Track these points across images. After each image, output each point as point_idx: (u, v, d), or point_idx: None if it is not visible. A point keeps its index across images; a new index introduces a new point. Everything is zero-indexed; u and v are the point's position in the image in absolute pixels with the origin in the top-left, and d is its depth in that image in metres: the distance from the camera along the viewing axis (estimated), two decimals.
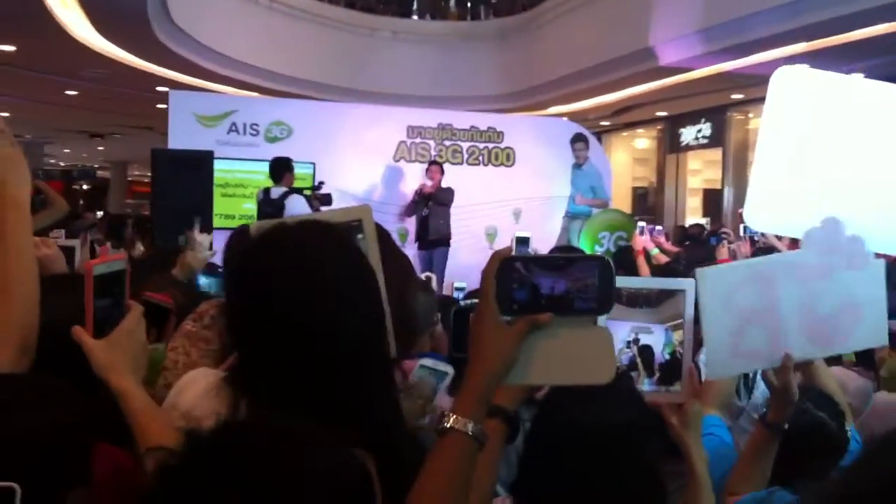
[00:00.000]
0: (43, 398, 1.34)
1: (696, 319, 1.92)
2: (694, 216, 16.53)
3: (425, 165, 10.46)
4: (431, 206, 9.97)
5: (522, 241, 4.72)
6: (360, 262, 1.47)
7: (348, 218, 1.76)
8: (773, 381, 1.97)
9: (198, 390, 1.53)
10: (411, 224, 10.35)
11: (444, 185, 10.13)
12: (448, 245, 10.03)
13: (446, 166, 10.87)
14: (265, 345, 1.38)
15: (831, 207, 2.12)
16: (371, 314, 1.43)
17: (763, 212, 2.31)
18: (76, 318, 1.65)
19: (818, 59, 8.96)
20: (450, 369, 2.15)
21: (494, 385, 1.25)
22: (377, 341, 1.44)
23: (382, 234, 1.93)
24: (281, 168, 8.48)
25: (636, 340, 1.89)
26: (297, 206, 7.96)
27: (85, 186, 32.09)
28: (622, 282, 1.71)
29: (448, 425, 1.22)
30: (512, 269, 1.23)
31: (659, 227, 7.77)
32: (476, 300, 1.33)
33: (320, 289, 1.39)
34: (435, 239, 9.95)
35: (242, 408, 1.39)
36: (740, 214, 4.17)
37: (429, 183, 10.10)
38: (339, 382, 1.36)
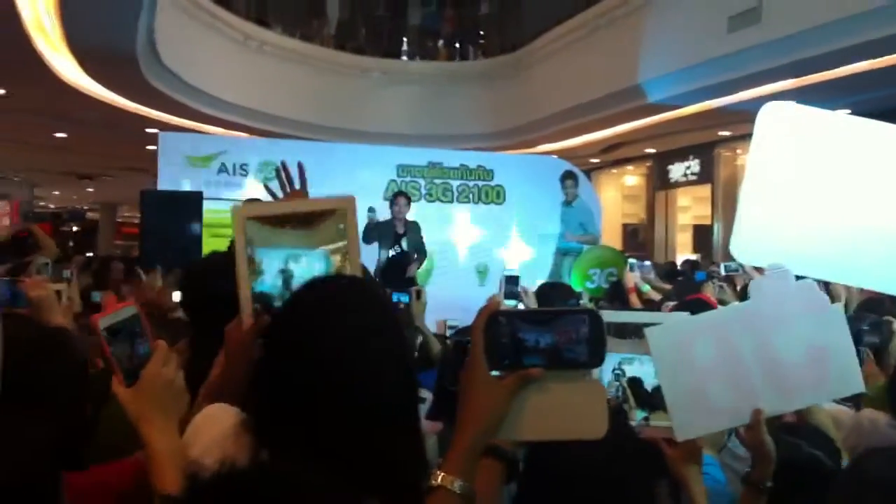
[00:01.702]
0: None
1: None
2: (684, 252, 16.56)
3: (416, 203, 10.38)
4: (407, 243, 9.48)
5: (511, 280, 4.70)
6: (398, 325, 1.44)
7: (330, 206, 1.69)
8: (749, 442, 1.89)
9: (215, 433, 1.46)
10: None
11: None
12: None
13: (436, 204, 10.87)
14: (298, 395, 1.33)
15: (817, 242, 2.11)
16: (407, 376, 1.39)
17: (749, 245, 2.30)
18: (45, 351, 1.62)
19: (806, 95, 9.03)
20: (428, 395, 2.12)
21: (484, 441, 1.23)
22: (411, 401, 1.40)
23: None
24: None
25: (618, 370, 1.86)
26: None
27: (74, 228, 32.03)
28: (609, 316, 1.68)
29: (436, 483, 1.20)
30: (501, 324, 1.21)
31: (647, 263, 7.76)
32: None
33: (364, 346, 1.34)
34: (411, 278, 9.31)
35: (264, 456, 1.33)
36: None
37: (400, 217, 9.53)
38: (373, 441, 1.31)
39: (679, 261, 14.14)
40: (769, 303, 1.92)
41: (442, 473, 1.20)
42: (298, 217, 1.68)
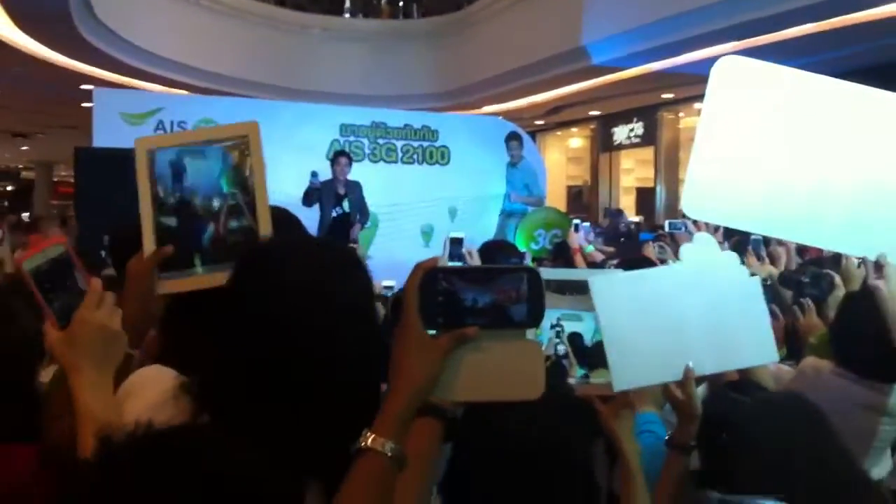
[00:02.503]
0: None
1: None
2: (627, 214, 16.73)
3: (360, 164, 10.29)
4: (349, 204, 9.30)
5: (456, 242, 4.66)
6: (368, 291, 1.36)
7: (231, 134, 1.60)
8: (677, 395, 1.94)
9: (151, 397, 1.38)
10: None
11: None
12: None
13: (381, 165, 10.76)
14: (248, 362, 1.25)
15: (768, 198, 2.11)
16: (371, 351, 1.30)
17: (700, 201, 2.30)
18: None
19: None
20: None
21: (417, 403, 1.18)
22: (373, 378, 1.32)
23: (294, 222, 1.82)
24: None
25: (558, 326, 1.85)
26: None
27: (9, 188, 31.24)
28: (550, 273, 1.66)
29: (366, 445, 1.15)
30: (436, 282, 1.17)
31: (586, 224, 7.80)
32: None
33: (326, 314, 1.26)
34: (354, 240, 9.12)
35: (204, 420, 1.25)
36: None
37: (342, 178, 9.35)
38: (323, 414, 1.24)
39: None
40: (694, 268, 2.01)
41: (372, 435, 1.15)
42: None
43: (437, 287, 1.17)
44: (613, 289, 1.95)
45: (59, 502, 0.96)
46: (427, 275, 1.18)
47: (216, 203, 1.56)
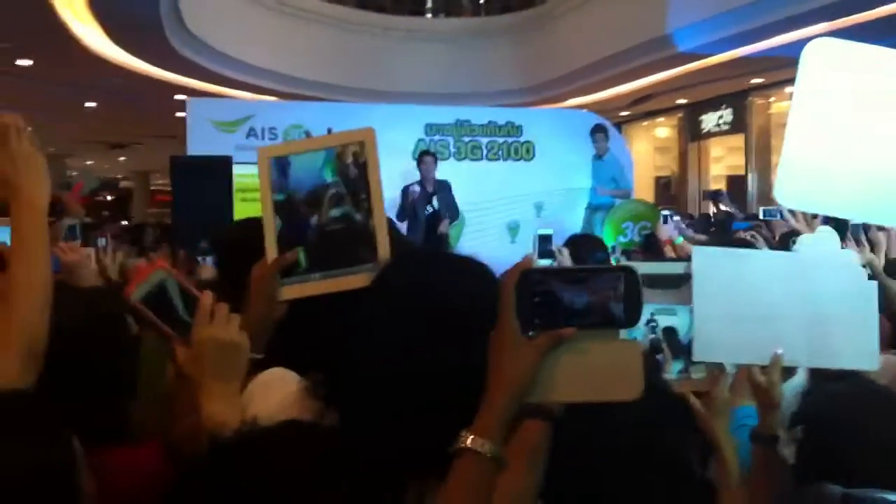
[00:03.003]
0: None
1: None
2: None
3: (445, 162, 10.35)
4: (441, 204, 9.43)
5: (545, 239, 4.65)
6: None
7: (349, 139, 1.61)
8: (759, 380, 1.91)
9: (275, 400, 1.42)
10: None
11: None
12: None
13: (466, 162, 10.79)
14: (385, 363, 1.25)
15: (865, 184, 2.06)
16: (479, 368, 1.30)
17: (794, 189, 2.24)
18: (85, 325, 1.62)
19: (839, 38, 8.83)
20: None
21: (515, 404, 1.17)
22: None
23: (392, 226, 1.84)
24: None
25: (652, 321, 1.84)
26: None
27: (108, 197, 32.36)
28: (644, 268, 1.65)
29: (465, 445, 1.15)
30: (532, 283, 1.17)
31: (677, 217, 7.67)
32: None
33: (456, 332, 1.26)
34: (443, 235, 9.26)
35: (330, 419, 1.26)
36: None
37: (429, 177, 9.48)
38: (441, 415, 1.22)
39: (711, 213, 14.00)
40: (810, 260, 1.96)
41: (471, 436, 1.15)
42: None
43: (533, 288, 1.17)
44: (715, 262, 1.94)
45: (169, 496, 1.00)
46: (523, 276, 1.17)
47: (320, 193, 1.59)
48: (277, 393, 1.43)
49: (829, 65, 2.22)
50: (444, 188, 9.53)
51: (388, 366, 1.25)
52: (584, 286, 1.17)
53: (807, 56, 2.24)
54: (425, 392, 1.23)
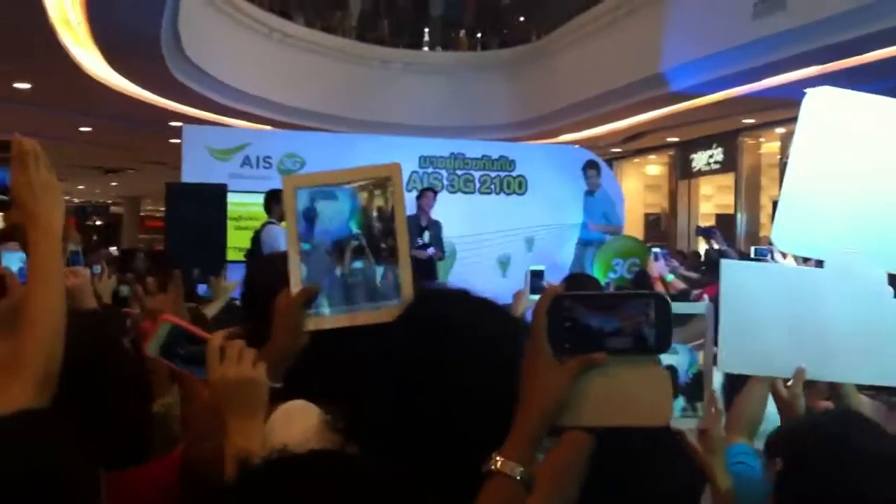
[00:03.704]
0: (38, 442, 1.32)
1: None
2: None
3: (439, 195, 10.40)
4: (431, 239, 9.50)
5: (537, 275, 4.70)
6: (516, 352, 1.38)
7: (375, 176, 1.63)
8: (782, 393, 1.95)
9: (296, 431, 1.43)
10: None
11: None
12: None
13: (458, 196, 10.87)
14: (402, 403, 1.29)
15: (863, 230, 2.11)
16: (508, 402, 1.30)
17: (792, 234, 2.28)
18: (101, 354, 1.65)
19: (832, 82, 8.89)
20: None
21: (546, 426, 1.19)
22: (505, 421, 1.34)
23: None
24: (268, 200, 8.34)
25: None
26: (272, 236, 7.81)
27: (98, 222, 32.28)
28: None
29: (495, 468, 1.16)
30: (563, 308, 1.19)
31: (665, 252, 7.72)
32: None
33: (472, 371, 1.29)
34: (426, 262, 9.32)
35: (350, 452, 1.27)
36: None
37: (427, 212, 9.58)
38: (464, 443, 1.25)
39: (702, 250, 14.08)
40: (839, 277, 2.03)
41: (501, 459, 1.16)
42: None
43: (564, 313, 1.19)
44: (744, 276, 2.01)
45: None
46: (555, 301, 1.19)
47: (343, 244, 1.61)
48: (299, 425, 1.45)
49: (830, 112, 2.26)
50: (436, 227, 9.58)
51: (413, 397, 1.28)
52: (615, 312, 1.19)
53: (808, 103, 2.28)
54: (446, 424, 1.26)
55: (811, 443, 1.71)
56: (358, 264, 1.60)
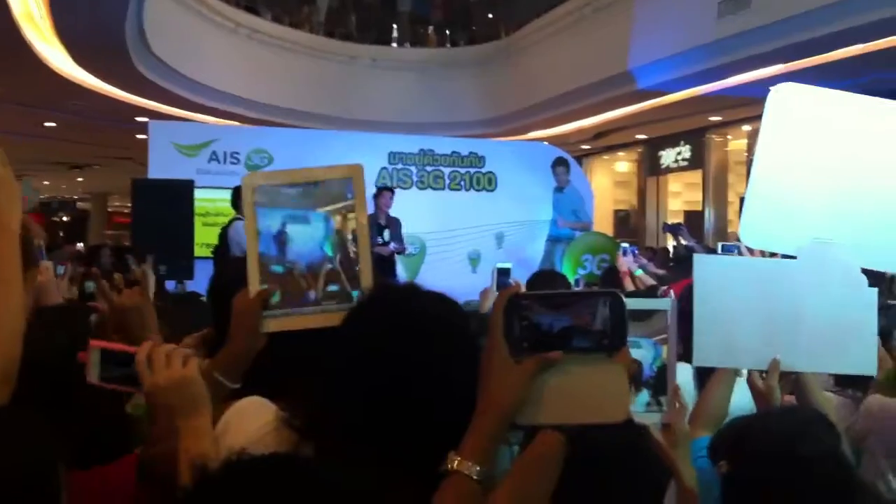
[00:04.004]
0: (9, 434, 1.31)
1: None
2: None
3: (408, 191, 10.41)
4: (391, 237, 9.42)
5: (504, 273, 4.71)
6: (473, 343, 1.38)
7: (335, 176, 1.63)
8: (758, 385, 1.98)
9: (251, 429, 1.42)
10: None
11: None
12: None
13: (428, 192, 10.86)
14: (363, 395, 1.28)
15: (829, 224, 2.13)
16: (470, 393, 1.30)
17: (759, 229, 2.30)
18: (67, 353, 1.64)
19: (796, 80, 8.98)
20: None
21: (504, 426, 1.20)
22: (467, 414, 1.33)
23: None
24: (236, 196, 8.14)
25: None
26: (239, 233, 7.59)
27: (65, 218, 31.91)
28: None
29: (452, 468, 1.16)
30: (520, 307, 1.20)
31: (634, 248, 7.77)
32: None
33: (429, 359, 1.30)
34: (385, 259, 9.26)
35: (306, 452, 1.27)
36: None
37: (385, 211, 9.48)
38: (423, 442, 1.25)
39: (670, 247, 14.18)
40: (812, 267, 2.04)
41: (458, 458, 1.16)
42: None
43: (521, 312, 1.20)
44: (716, 269, 2.03)
45: None
46: (511, 300, 1.20)
47: (317, 268, 1.60)
48: (254, 422, 1.44)
49: (795, 107, 2.28)
50: (395, 224, 9.46)
51: (368, 391, 1.28)
52: (571, 310, 1.20)
53: (772, 99, 2.30)
54: (403, 416, 1.26)
55: (753, 444, 1.72)
56: (333, 288, 1.60)
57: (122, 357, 1.52)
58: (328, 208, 1.61)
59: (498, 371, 1.19)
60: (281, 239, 1.60)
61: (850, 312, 2.03)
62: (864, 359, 2.06)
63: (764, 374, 2.05)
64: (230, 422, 1.50)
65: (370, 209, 9.19)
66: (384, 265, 9.00)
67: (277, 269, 1.60)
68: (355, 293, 1.59)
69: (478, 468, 1.16)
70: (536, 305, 1.20)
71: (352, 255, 1.61)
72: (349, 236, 1.61)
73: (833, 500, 1.67)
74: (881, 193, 2.25)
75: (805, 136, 2.27)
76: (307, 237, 1.60)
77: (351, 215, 1.61)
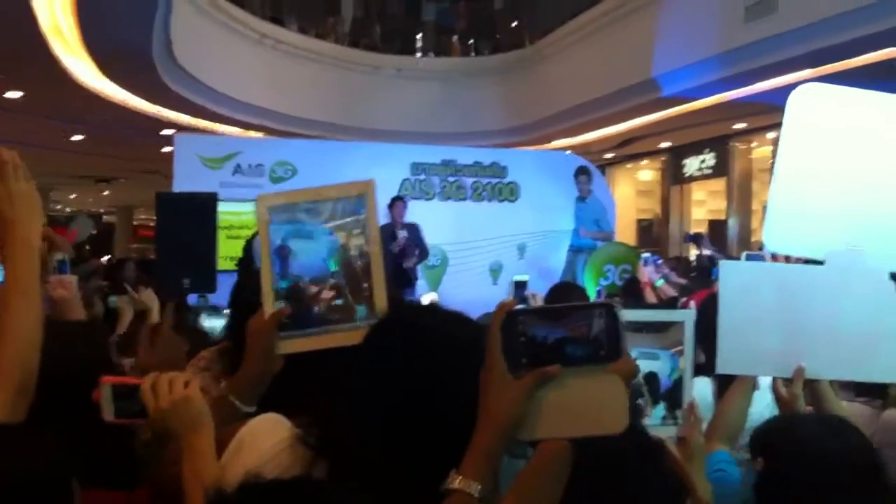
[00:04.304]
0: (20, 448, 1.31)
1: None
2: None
3: (430, 202, 10.43)
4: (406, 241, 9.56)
5: (521, 285, 4.71)
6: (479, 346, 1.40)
7: (351, 191, 1.64)
8: (782, 391, 1.96)
9: (265, 447, 1.42)
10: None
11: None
12: None
13: (450, 202, 10.86)
14: (376, 414, 1.29)
15: (855, 228, 2.10)
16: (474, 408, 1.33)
17: (782, 233, 2.28)
18: (89, 366, 1.65)
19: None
20: None
21: (504, 442, 1.20)
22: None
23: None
24: None
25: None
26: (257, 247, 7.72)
27: (91, 231, 32.14)
28: (625, 314, 1.68)
29: (454, 487, 1.16)
30: (517, 323, 1.21)
31: (655, 257, 7.72)
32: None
33: (446, 377, 1.31)
34: (408, 269, 9.44)
35: (320, 469, 1.29)
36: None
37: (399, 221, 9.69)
38: (436, 466, 1.24)
39: (693, 256, 14.08)
40: (840, 273, 2.02)
41: (459, 476, 1.17)
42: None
43: (518, 328, 1.20)
44: (742, 274, 2.01)
45: None
46: (508, 316, 1.20)
47: (322, 283, 1.61)
48: (268, 439, 1.44)
49: (815, 109, 2.25)
50: (412, 228, 9.59)
51: (383, 409, 1.28)
52: (566, 324, 1.20)
53: (793, 101, 2.27)
54: (418, 434, 1.27)
55: (784, 443, 1.73)
56: (338, 302, 1.60)
57: (131, 389, 1.53)
58: (332, 224, 1.61)
59: (496, 387, 1.19)
60: (283, 253, 1.60)
61: (879, 319, 2.01)
62: (892, 366, 2.03)
63: (788, 383, 2.03)
64: (244, 440, 1.49)
65: (385, 219, 9.42)
66: (402, 277, 9.08)
67: (282, 284, 1.60)
68: (361, 308, 1.58)
69: (479, 486, 1.16)
70: (533, 320, 1.21)
71: (358, 270, 1.60)
72: (354, 252, 1.61)
73: (863, 500, 1.66)
74: None
75: (827, 137, 2.24)
76: (311, 252, 1.60)
77: (357, 232, 1.61)
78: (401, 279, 9.13)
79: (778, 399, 2.02)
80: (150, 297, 4.36)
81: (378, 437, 1.27)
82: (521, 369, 1.20)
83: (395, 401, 1.29)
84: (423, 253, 9.72)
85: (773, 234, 2.30)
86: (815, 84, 2.34)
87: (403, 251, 9.33)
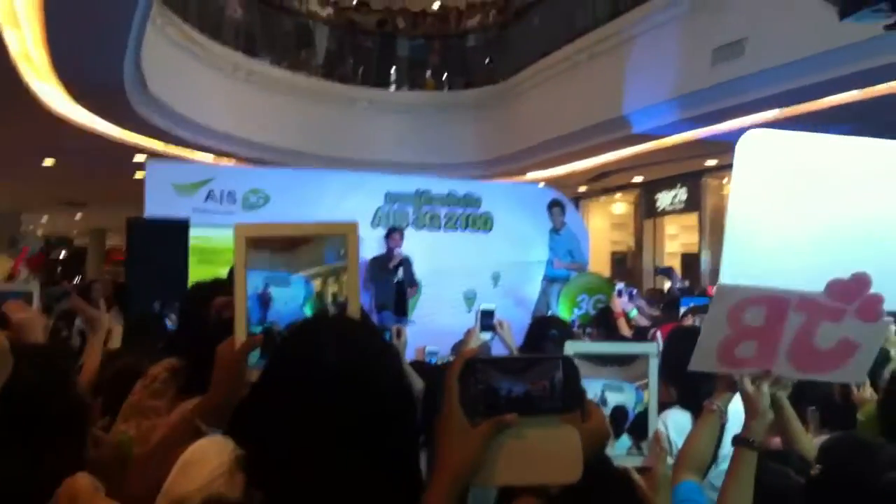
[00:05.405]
0: None
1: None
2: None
3: (403, 231, 10.47)
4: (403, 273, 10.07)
5: (487, 314, 4.74)
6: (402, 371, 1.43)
7: (331, 232, 1.66)
8: (747, 388, 1.98)
9: (206, 472, 1.41)
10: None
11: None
12: None
13: (424, 232, 10.88)
14: (302, 431, 1.31)
15: (807, 264, 2.12)
16: (411, 425, 1.37)
17: (739, 270, 2.31)
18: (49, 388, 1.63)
19: (791, 126, 9.06)
20: None
21: (459, 488, 1.21)
22: (413, 446, 1.38)
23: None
24: None
25: (603, 397, 1.87)
26: None
27: (62, 255, 31.88)
28: (587, 347, 1.70)
29: None
30: (475, 372, 1.23)
31: (630, 288, 7.78)
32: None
33: (371, 393, 1.33)
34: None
35: (257, 499, 1.30)
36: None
37: (397, 250, 10.17)
38: (372, 485, 1.28)
39: (666, 288, 14.17)
40: (837, 300, 2.01)
41: None
42: (280, 241, 1.66)
43: (476, 376, 1.23)
44: (737, 293, 1.94)
45: None
46: (467, 365, 1.23)
47: None
48: (209, 464, 1.42)
49: (765, 154, 2.31)
50: (407, 263, 10.09)
51: (291, 427, 1.31)
52: (525, 375, 1.23)
53: (741, 147, 2.33)
54: (324, 445, 1.28)
55: (838, 455, 1.76)
56: None
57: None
58: (309, 272, 1.62)
59: (454, 434, 1.21)
60: (264, 300, 1.61)
61: (861, 336, 2.00)
62: (856, 372, 2.04)
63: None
64: (188, 461, 1.47)
65: (382, 249, 9.60)
66: (402, 303, 9.90)
67: (258, 329, 1.61)
68: None
69: None
70: (491, 370, 1.23)
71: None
72: (329, 300, 1.63)
73: None
74: (861, 231, 2.26)
75: (778, 179, 2.29)
76: (288, 298, 1.61)
77: (331, 279, 1.63)
78: (400, 306, 9.92)
79: (743, 396, 2.03)
80: (114, 319, 4.32)
81: (288, 456, 1.28)
82: (479, 416, 1.22)
83: (328, 431, 1.30)
84: (414, 287, 10.25)
85: (730, 272, 2.34)
86: (760, 130, 2.41)
87: (403, 283, 9.97)
